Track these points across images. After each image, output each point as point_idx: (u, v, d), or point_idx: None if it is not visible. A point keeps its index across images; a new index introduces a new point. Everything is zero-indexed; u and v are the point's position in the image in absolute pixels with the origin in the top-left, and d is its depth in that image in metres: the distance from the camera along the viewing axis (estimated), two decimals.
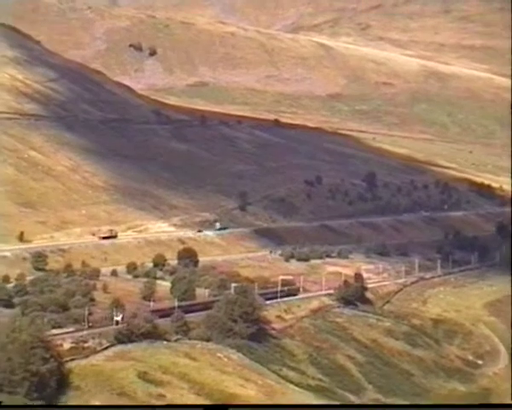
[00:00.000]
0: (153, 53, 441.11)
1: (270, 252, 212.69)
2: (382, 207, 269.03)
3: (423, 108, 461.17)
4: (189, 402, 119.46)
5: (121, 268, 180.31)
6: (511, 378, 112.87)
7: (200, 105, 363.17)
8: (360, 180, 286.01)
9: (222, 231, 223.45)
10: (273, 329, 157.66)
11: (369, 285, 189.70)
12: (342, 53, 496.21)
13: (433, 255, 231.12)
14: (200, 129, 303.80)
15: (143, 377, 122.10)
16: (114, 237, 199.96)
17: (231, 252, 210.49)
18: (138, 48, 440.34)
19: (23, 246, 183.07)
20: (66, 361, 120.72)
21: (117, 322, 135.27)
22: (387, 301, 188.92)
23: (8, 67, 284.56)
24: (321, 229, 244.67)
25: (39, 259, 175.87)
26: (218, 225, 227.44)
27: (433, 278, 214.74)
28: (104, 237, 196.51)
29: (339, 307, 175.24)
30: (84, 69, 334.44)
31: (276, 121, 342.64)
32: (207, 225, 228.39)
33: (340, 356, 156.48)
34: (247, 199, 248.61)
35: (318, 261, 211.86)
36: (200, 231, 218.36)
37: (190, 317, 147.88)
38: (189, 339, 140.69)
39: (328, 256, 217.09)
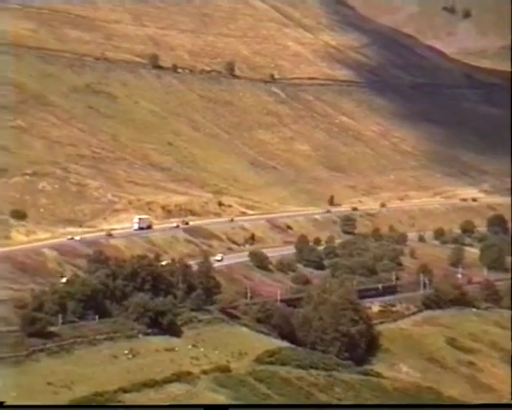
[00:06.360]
0: (466, 15, 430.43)
1: None
2: None
3: None
4: (499, 372, 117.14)
5: (428, 234, 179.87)
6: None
7: None
8: None
9: None
10: None
11: None
12: None
13: None
14: None
15: (452, 343, 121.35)
16: None
17: None
18: (451, 10, 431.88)
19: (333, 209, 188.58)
20: (375, 324, 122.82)
21: None
22: None
23: (323, 33, 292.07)
24: None
25: (348, 222, 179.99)
26: None
27: None
28: None
29: None
30: (395, 34, 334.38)
31: None
32: None
33: None
34: None
35: None
36: None
37: (500, 285, 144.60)
38: (500, 308, 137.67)
39: None
